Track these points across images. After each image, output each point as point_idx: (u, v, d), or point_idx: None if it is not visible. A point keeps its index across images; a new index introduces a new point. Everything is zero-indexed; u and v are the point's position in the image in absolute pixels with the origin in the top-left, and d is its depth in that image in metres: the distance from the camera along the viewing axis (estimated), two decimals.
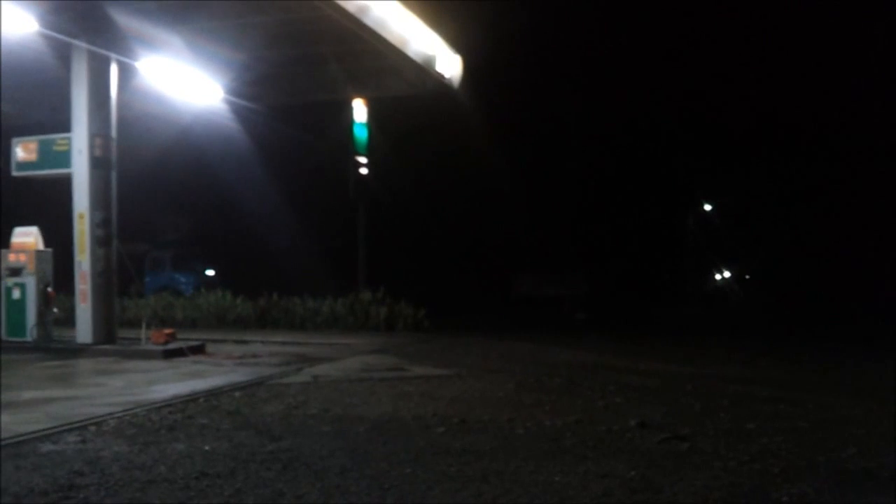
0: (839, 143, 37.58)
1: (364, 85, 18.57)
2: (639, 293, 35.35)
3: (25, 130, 14.37)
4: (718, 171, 44.35)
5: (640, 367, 11.32)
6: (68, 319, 13.95)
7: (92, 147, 12.85)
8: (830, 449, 6.03)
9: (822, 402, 8.27)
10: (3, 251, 13.54)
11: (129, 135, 14.75)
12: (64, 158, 13.12)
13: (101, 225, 12.94)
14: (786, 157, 41.00)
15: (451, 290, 26.48)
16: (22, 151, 13.66)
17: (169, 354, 12.01)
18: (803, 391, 9.10)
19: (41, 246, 13.52)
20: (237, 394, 8.59)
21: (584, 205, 36.91)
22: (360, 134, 20.23)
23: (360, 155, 20.42)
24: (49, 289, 13.38)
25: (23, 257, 13.35)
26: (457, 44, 17.36)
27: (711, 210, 49.20)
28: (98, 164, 12.92)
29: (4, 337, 13.21)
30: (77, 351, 12.51)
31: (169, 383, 9.36)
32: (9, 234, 13.70)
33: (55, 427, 6.61)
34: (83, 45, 12.71)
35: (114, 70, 13.14)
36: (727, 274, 54.29)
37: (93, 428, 6.67)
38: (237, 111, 18.29)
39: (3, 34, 11.94)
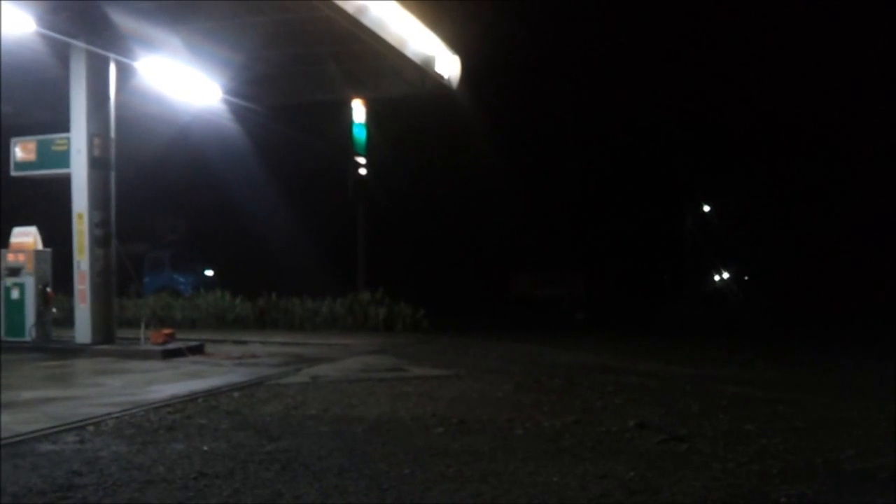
0: (838, 144, 37.65)
1: (363, 85, 18.57)
2: (638, 294, 35.37)
3: (24, 130, 14.36)
4: (717, 172, 44.42)
5: (638, 368, 11.32)
6: (67, 319, 13.94)
7: (91, 147, 12.84)
8: (829, 450, 6.03)
9: (820, 403, 8.28)
10: (2, 251, 13.52)
11: (128, 135, 14.75)
12: (63, 158, 13.11)
13: (100, 225, 12.93)
14: (785, 158, 41.04)
15: (450, 290, 26.49)
16: (21, 151, 13.65)
17: (168, 354, 12.00)
18: (802, 392, 9.10)
19: (40, 246, 13.51)
20: (236, 394, 8.58)
21: (582, 205, 36.95)
22: (359, 134, 20.23)
23: (359, 155, 20.42)
24: (48, 289, 13.36)
25: (21, 257, 13.34)
26: (455, 44, 17.35)
27: (710, 211, 49.25)
28: (97, 164, 12.91)
29: (3, 337, 13.19)
30: (76, 351, 12.50)
31: (168, 383, 9.35)
32: (7, 234, 13.69)
33: (54, 427, 6.60)
34: (82, 45, 12.70)
35: (112, 70, 13.13)
36: (726, 275, 54.34)
37: (91, 428, 6.67)
38: (236, 111, 18.29)
39: (2, 34, 11.93)
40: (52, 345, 12.96)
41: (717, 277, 54.39)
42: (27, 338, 13.01)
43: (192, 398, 8.25)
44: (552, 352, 13.62)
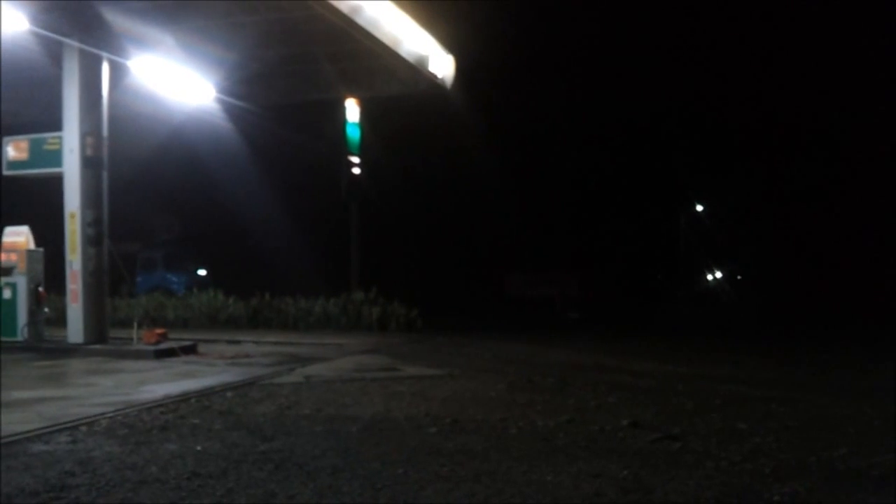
0: (832, 144, 37.75)
1: (357, 85, 18.57)
2: (632, 293, 35.46)
3: (16, 129, 14.30)
4: (711, 172, 44.51)
5: (632, 367, 11.34)
6: (59, 319, 13.90)
7: (83, 146, 12.80)
8: (822, 448, 6.05)
9: (813, 402, 8.31)
10: None
11: (121, 134, 14.69)
12: (55, 157, 13.06)
13: (93, 224, 12.90)
14: (778, 158, 41.15)
15: (443, 289, 26.49)
16: (13, 150, 13.60)
17: (160, 354, 11.97)
18: (795, 391, 9.13)
19: (32, 245, 13.46)
20: (229, 394, 8.56)
21: (576, 205, 36.99)
22: (353, 134, 20.20)
23: (353, 155, 20.40)
24: (40, 288, 13.32)
25: (14, 257, 13.29)
26: (449, 44, 17.36)
27: (704, 210, 49.35)
28: (89, 164, 12.87)
29: None
30: (68, 351, 12.46)
31: (160, 383, 9.32)
32: None
33: (46, 427, 6.58)
34: (75, 43, 12.66)
35: (105, 69, 13.09)
36: (719, 274, 54.48)
37: (84, 428, 6.65)
38: (229, 110, 18.24)
39: None
40: (44, 345, 12.92)
41: (710, 277, 54.53)
42: (19, 338, 12.96)
43: (185, 398, 8.23)
44: (546, 351, 13.64)
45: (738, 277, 53.00)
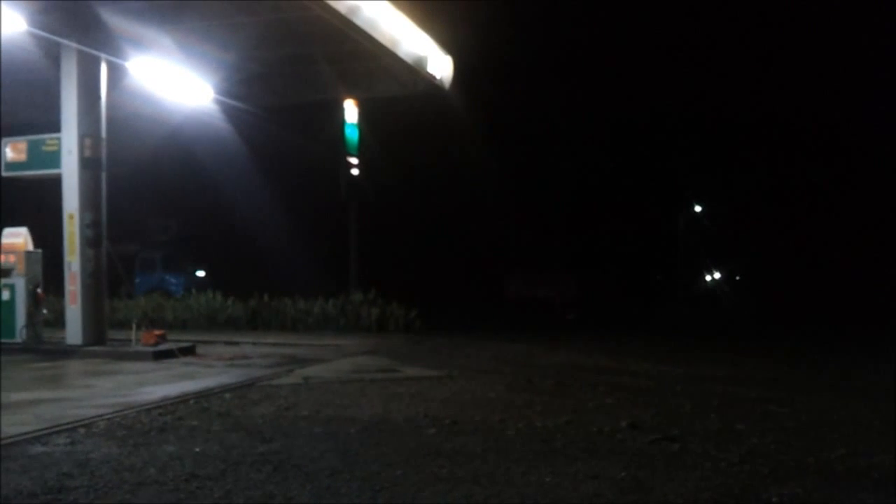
0: (831, 145, 37.80)
1: (355, 85, 18.56)
2: (630, 294, 35.48)
3: (15, 130, 14.29)
4: (709, 173, 44.55)
5: (630, 368, 11.35)
6: (58, 321, 13.89)
7: (82, 147, 12.79)
8: (820, 449, 6.05)
9: (811, 403, 8.31)
10: None
11: (120, 135, 14.68)
12: (53, 159, 13.05)
13: (91, 226, 12.88)
14: (777, 159, 41.21)
15: (442, 290, 26.51)
16: (11, 151, 13.58)
17: (159, 356, 11.96)
18: (793, 392, 9.14)
19: (31, 247, 13.45)
20: (228, 395, 8.56)
21: (575, 206, 37.02)
22: (352, 134, 20.19)
23: (352, 155, 20.39)
24: (39, 290, 13.31)
25: (12, 258, 13.28)
26: (448, 44, 17.36)
27: (702, 211, 49.36)
28: (88, 165, 12.86)
29: None
30: (67, 352, 12.45)
31: (159, 385, 9.32)
32: None
33: (44, 429, 6.57)
34: (73, 44, 12.64)
35: (104, 70, 13.07)
36: (717, 275, 54.50)
37: (82, 430, 6.64)
38: (228, 111, 18.24)
39: None
40: (42, 346, 12.90)
41: (708, 278, 54.54)
42: (18, 339, 12.94)
43: (183, 399, 8.22)
44: (544, 352, 13.64)
45: (737, 278, 53.04)
